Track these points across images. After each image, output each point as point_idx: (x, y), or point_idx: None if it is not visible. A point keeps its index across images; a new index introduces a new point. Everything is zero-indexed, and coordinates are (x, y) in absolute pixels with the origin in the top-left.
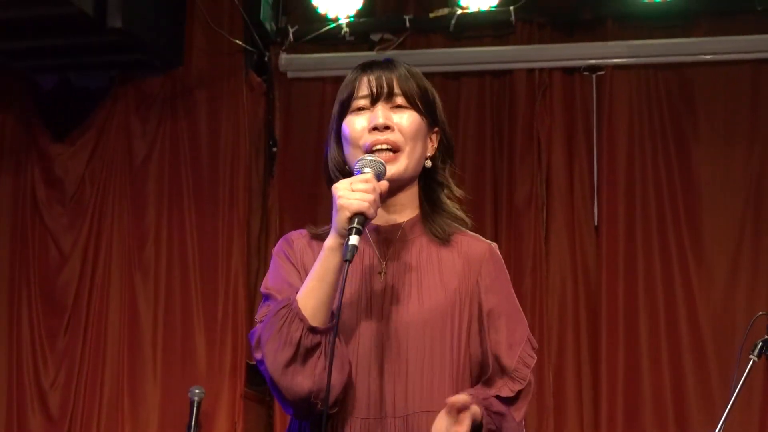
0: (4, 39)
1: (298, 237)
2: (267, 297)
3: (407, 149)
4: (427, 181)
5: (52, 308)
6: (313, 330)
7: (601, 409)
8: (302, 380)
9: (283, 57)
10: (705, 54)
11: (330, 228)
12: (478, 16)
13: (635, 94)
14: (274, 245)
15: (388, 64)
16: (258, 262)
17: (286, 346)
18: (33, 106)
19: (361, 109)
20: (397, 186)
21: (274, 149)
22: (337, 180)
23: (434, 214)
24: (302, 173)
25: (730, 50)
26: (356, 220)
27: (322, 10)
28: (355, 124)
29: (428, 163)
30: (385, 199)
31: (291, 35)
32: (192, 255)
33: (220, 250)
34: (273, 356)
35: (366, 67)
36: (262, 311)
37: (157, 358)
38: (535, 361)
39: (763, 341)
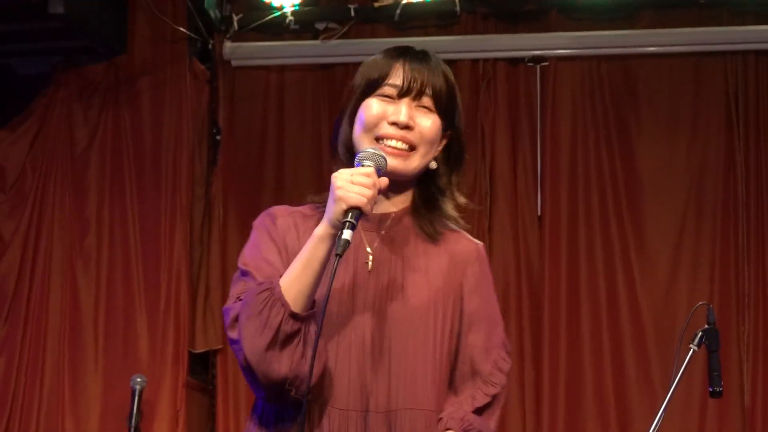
0: None
1: (283, 214)
2: (244, 273)
3: (422, 151)
4: (425, 180)
5: None
6: (294, 316)
7: (543, 398)
8: (279, 367)
9: (227, 45)
10: (648, 46)
11: (320, 212)
12: (423, 6)
13: (579, 85)
14: (217, 234)
15: (424, 57)
16: (201, 251)
17: (265, 330)
18: None
19: (386, 96)
20: (399, 181)
21: (218, 137)
22: (342, 156)
23: (426, 211)
24: (246, 161)
25: (674, 42)
26: (351, 214)
27: None
28: (373, 109)
29: (433, 165)
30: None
31: (235, 23)
32: (134, 243)
33: (162, 239)
34: (251, 339)
35: (403, 54)
36: (238, 286)
37: (99, 347)
38: (509, 366)
39: (703, 331)
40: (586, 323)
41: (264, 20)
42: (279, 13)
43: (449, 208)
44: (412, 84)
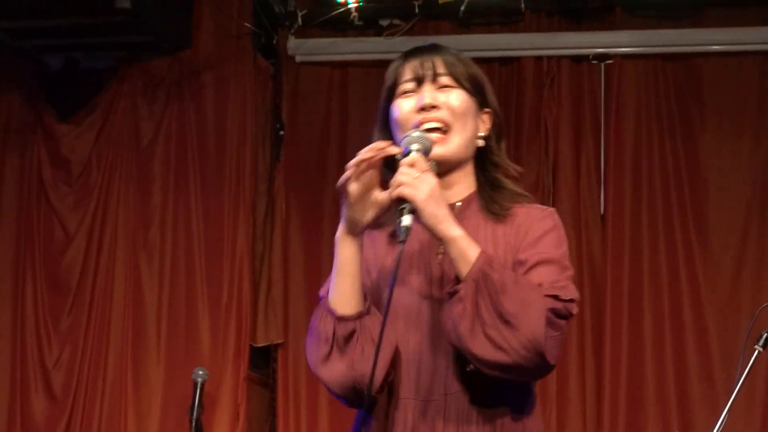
0: (12, 18)
1: None
2: (320, 298)
3: (457, 126)
4: (482, 161)
5: (57, 288)
6: (342, 319)
7: (604, 398)
8: (341, 368)
9: (292, 40)
10: (714, 44)
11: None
12: (488, 3)
13: (643, 83)
14: (280, 229)
15: (433, 48)
16: (263, 246)
17: (322, 342)
18: (40, 86)
19: (407, 92)
20: (449, 166)
21: (281, 133)
22: (386, 167)
23: (493, 193)
24: (309, 157)
25: (739, 41)
26: (402, 203)
27: None
28: (403, 106)
29: (480, 143)
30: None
31: (299, 19)
32: (197, 237)
33: (225, 233)
34: (313, 354)
35: (410, 54)
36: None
37: (161, 340)
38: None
39: None
40: (648, 322)
41: (328, 16)
42: (343, 9)
43: (510, 182)
44: (424, 70)
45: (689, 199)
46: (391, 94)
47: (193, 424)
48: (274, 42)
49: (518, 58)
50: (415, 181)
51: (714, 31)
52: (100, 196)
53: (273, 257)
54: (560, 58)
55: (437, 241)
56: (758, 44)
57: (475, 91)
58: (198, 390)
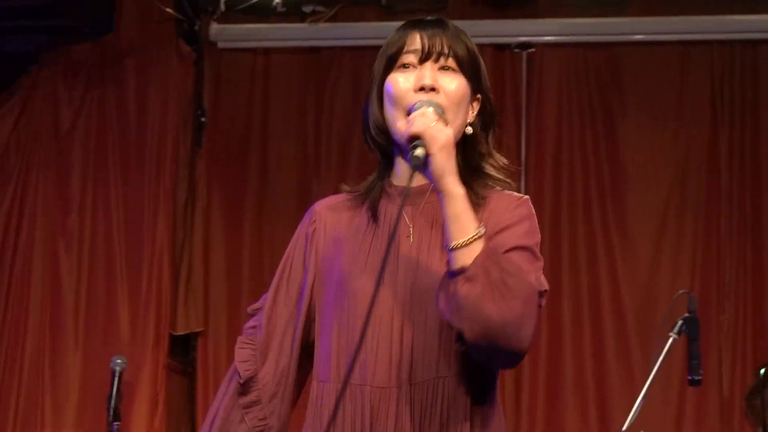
0: None
1: (322, 210)
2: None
3: (450, 115)
4: (466, 148)
5: None
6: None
7: (523, 388)
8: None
9: (214, 26)
10: (635, 34)
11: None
12: None
13: (565, 72)
14: (201, 216)
15: (440, 23)
16: (184, 234)
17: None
18: None
19: (407, 66)
20: None
21: (203, 119)
22: (376, 141)
23: (470, 180)
24: (230, 144)
25: (660, 31)
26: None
27: None
28: (400, 83)
29: (469, 130)
30: None
31: (222, 5)
32: (117, 225)
33: (145, 220)
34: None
35: (417, 23)
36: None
37: (80, 328)
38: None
39: (683, 319)
40: (566, 310)
41: (251, 2)
42: None
43: (493, 171)
44: (431, 47)
45: (609, 188)
46: (392, 64)
47: (111, 412)
48: (197, 28)
49: None
50: (433, 127)
51: (635, 21)
52: (18, 184)
53: (194, 245)
54: (483, 46)
55: (408, 225)
56: (679, 34)
57: (473, 76)
58: (116, 379)
